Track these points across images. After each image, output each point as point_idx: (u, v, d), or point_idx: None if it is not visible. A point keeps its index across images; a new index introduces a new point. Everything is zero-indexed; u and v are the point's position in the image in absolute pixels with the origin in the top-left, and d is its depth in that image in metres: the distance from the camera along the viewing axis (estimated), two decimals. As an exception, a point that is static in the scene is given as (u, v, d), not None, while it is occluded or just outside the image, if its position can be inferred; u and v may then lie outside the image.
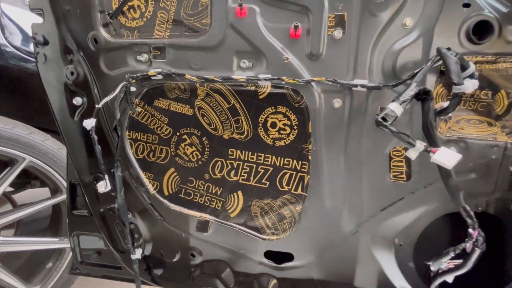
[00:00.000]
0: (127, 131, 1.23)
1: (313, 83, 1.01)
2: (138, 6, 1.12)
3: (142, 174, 1.25)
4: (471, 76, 0.87)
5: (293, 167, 1.14)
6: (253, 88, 1.09)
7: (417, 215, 1.05)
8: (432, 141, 0.82)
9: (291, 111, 1.09)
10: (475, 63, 0.92)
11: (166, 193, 1.26)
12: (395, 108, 0.80)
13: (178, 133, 1.20)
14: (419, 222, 1.05)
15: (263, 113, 1.11)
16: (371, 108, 1.00)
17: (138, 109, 1.21)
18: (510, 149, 0.92)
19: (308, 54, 1.02)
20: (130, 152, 1.24)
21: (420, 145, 0.77)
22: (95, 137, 1.13)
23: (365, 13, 0.96)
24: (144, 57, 1.14)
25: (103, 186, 1.16)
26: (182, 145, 1.21)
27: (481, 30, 0.90)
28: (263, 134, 1.13)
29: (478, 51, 0.91)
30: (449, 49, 0.82)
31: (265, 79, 1.03)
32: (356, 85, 0.98)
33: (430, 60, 0.83)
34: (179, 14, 1.10)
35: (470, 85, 0.74)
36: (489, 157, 0.94)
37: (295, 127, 1.10)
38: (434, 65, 0.84)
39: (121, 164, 1.20)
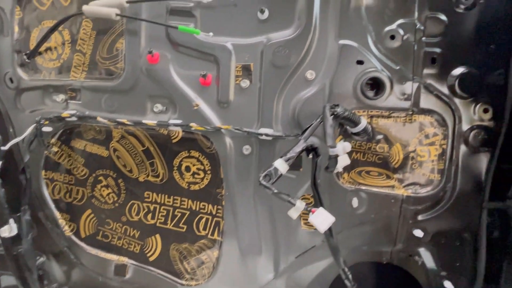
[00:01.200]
0: (43, 171, 1.16)
1: (222, 130, 0.99)
2: (55, 47, 1.10)
3: (58, 215, 1.17)
4: (364, 130, 0.87)
5: (209, 212, 1.09)
6: (166, 132, 1.05)
7: (327, 263, 1.01)
8: (316, 199, 0.80)
9: (203, 156, 1.06)
10: (371, 117, 0.92)
11: (83, 235, 1.18)
12: (280, 165, 0.78)
13: (94, 175, 1.14)
14: (330, 271, 1.02)
15: (177, 157, 1.08)
16: (279, 155, 0.98)
17: (55, 149, 1.15)
18: (407, 201, 0.91)
19: (218, 101, 1.01)
20: (46, 192, 1.17)
21: (301, 205, 0.75)
22: None
23: (269, 65, 0.96)
24: (60, 97, 1.10)
25: (7, 231, 1.07)
26: (98, 186, 1.15)
27: (376, 86, 0.91)
28: (178, 178, 1.09)
29: (373, 106, 0.91)
30: (337, 105, 0.82)
31: (175, 125, 1.01)
32: (261, 134, 0.96)
33: (319, 117, 0.82)
34: (95, 57, 1.07)
35: (341, 149, 0.73)
36: (388, 209, 0.92)
37: (208, 172, 1.07)
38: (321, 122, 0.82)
39: (34, 205, 1.13)
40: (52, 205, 1.17)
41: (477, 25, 0.85)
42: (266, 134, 0.96)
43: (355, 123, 0.85)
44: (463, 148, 0.87)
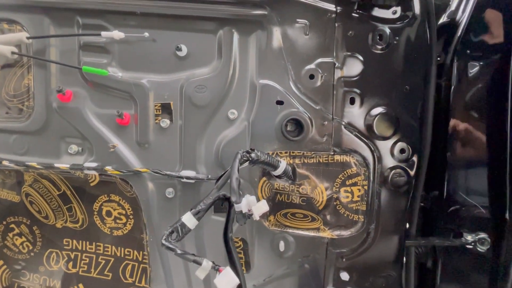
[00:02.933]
0: None
1: (145, 174, 0.89)
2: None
3: (-33, 269, 1.01)
4: (284, 173, 0.81)
5: (134, 258, 0.98)
6: (82, 175, 0.94)
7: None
8: (227, 255, 0.72)
9: (124, 201, 0.95)
10: (293, 157, 0.87)
11: (-4, 289, 1.02)
12: (188, 220, 0.70)
13: (4, 222, 1.00)
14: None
15: (97, 201, 0.96)
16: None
17: (-41, 195, 0.99)
18: (332, 244, 0.86)
19: (137, 142, 0.91)
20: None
21: (207, 264, 0.67)
22: None
23: (190, 103, 0.89)
24: (-39, 139, 0.95)
25: None
26: (10, 235, 1.00)
27: (299, 125, 0.86)
28: (99, 223, 0.98)
29: (295, 146, 0.86)
30: (252, 150, 0.75)
31: (88, 169, 0.89)
32: (182, 177, 0.87)
33: (235, 163, 0.75)
34: (0, 94, 0.94)
35: (245, 205, 0.66)
36: (314, 252, 0.86)
37: (131, 216, 0.96)
38: (240, 167, 0.75)
39: None
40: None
41: (392, 66, 0.83)
42: (188, 177, 0.87)
43: (274, 167, 0.78)
44: (383, 188, 0.83)
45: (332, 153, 0.85)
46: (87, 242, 0.99)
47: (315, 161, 0.86)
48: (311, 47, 0.84)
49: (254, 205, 0.67)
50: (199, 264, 0.67)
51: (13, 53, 0.81)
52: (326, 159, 0.86)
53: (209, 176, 0.88)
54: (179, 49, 0.86)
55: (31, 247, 1.00)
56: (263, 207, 0.69)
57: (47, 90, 0.90)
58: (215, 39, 0.86)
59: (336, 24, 0.83)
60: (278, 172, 0.79)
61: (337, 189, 0.86)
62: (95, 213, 0.96)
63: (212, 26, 0.85)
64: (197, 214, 0.71)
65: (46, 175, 0.96)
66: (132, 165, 0.90)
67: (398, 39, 0.82)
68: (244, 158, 0.73)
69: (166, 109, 0.89)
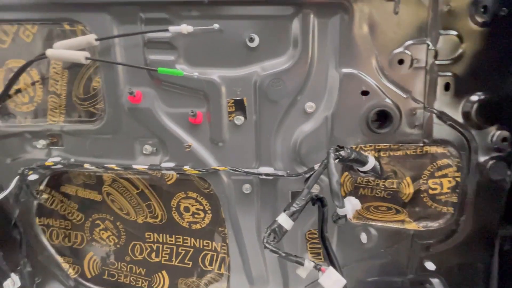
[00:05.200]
0: (37, 218, 1.04)
1: (221, 173, 0.86)
2: (26, 90, 0.92)
3: (60, 259, 1.07)
4: (372, 169, 0.74)
5: (213, 248, 0.99)
6: (159, 174, 0.92)
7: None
8: (325, 255, 0.69)
9: (202, 197, 0.93)
10: (378, 151, 0.79)
11: (89, 276, 1.08)
12: (284, 222, 0.66)
13: (90, 219, 1.02)
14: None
15: (174, 198, 0.95)
16: (281, 192, 0.86)
17: (45, 195, 1.01)
18: (418, 235, 0.81)
19: (211, 140, 0.86)
20: (43, 239, 1.05)
21: (309, 264, 0.64)
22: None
23: (264, 98, 0.81)
24: (41, 143, 0.94)
25: (10, 285, 0.97)
26: (97, 229, 1.03)
27: (383, 117, 0.77)
28: (178, 218, 0.98)
29: (380, 139, 0.78)
30: (341, 147, 0.68)
31: (167, 169, 0.87)
32: (261, 174, 0.83)
33: (323, 163, 0.69)
34: (71, 98, 0.90)
35: (349, 209, 0.61)
36: (398, 243, 0.82)
37: (209, 211, 0.95)
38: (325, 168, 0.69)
39: (35, 250, 1.02)
40: (52, 250, 1.06)
41: (497, 44, 0.69)
42: (267, 174, 0.83)
43: (363, 163, 0.72)
44: (478, 180, 0.75)
45: (422, 144, 0.77)
46: (167, 235, 1.00)
47: (402, 154, 0.78)
48: (400, 28, 0.72)
49: (358, 208, 0.62)
50: (301, 264, 0.65)
51: (87, 58, 0.75)
52: (415, 150, 0.78)
53: (288, 172, 0.83)
54: (252, 40, 0.76)
55: (116, 240, 1.03)
56: (357, 205, 0.64)
57: (116, 92, 0.85)
58: (291, 26, 0.75)
59: None
60: (366, 168, 0.73)
61: (425, 181, 0.79)
62: (173, 209, 0.96)
63: (287, 11, 0.74)
64: (292, 216, 0.67)
65: (124, 175, 0.95)
66: (208, 163, 0.87)
67: (507, 10, 0.68)
68: (337, 155, 0.66)
69: (239, 105, 0.83)
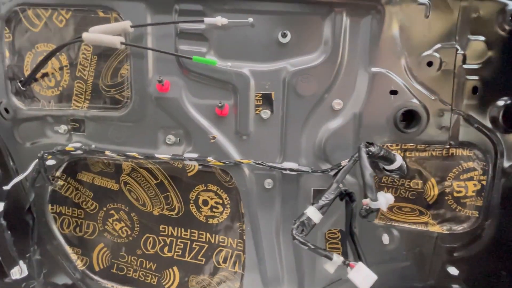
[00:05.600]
0: (49, 205, 1.01)
1: (244, 166, 0.85)
2: (53, 74, 0.92)
3: (68, 249, 1.03)
4: (399, 168, 0.74)
5: (228, 245, 0.97)
6: (180, 165, 0.91)
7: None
8: (354, 251, 0.68)
9: (222, 190, 0.92)
10: (404, 150, 0.79)
11: (97, 268, 1.05)
12: (313, 215, 0.65)
13: (104, 209, 1.00)
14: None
15: (194, 190, 0.93)
16: (303, 190, 0.85)
17: (61, 182, 0.99)
18: (442, 238, 0.80)
19: (236, 133, 0.86)
20: (54, 227, 1.02)
21: (338, 259, 0.62)
22: (4, 223, 0.91)
23: (292, 93, 0.81)
24: (62, 128, 0.93)
25: (17, 273, 0.93)
26: (110, 220, 1.00)
27: (411, 117, 0.78)
28: (195, 211, 0.96)
29: (407, 139, 0.78)
30: (371, 144, 0.68)
31: (190, 160, 0.86)
32: (285, 169, 0.82)
33: (352, 158, 0.69)
34: (98, 85, 0.90)
35: (383, 202, 0.60)
36: (421, 246, 0.81)
37: (228, 206, 0.93)
38: (355, 162, 0.69)
39: (43, 239, 0.99)
40: (61, 239, 1.03)
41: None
42: (291, 170, 0.82)
43: (391, 161, 0.71)
44: (504, 184, 0.75)
45: (448, 146, 0.77)
46: (182, 229, 0.98)
47: (427, 155, 0.78)
48: (430, 31, 0.74)
49: (391, 202, 0.61)
50: (330, 258, 0.64)
51: (122, 43, 0.75)
52: (441, 152, 0.78)
53: (313, 168, 0.82)
54: (284, 36, 0.78)
55: (129, 232, 1.00)
56: (390, 199, 0.63)
57: (144, 81, 0.85)
58: (323, 24, 0.77)
59: (461, 4, 0.71)
60: (393, 166, 0.73)
61: (450, 183, 0.79)
62: (191, 201, 0.94)
63: (321, 10, 0.76)
64: (321, 209, 0.66)
65: (144, 165, 0.93)
66: (231, 155, 0.86)
67: (534, 20, 0.70)
68: (367, 151, 0.66)
69: (267, 99, 0.83)
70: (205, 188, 0.92)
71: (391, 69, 0.76)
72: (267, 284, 0.95)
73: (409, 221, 0.82)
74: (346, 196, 0.69)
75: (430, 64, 0.75)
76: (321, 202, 0.67)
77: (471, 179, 0.78)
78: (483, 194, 0.77)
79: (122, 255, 1.03)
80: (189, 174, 0.92)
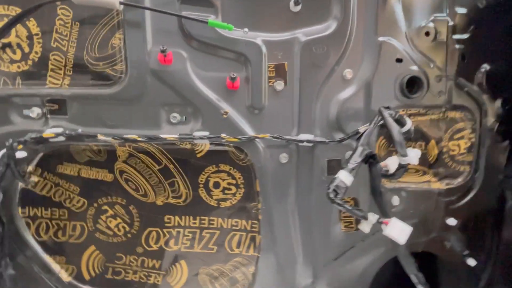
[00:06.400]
0: (19, 208, 0.82)
1: (257, 139, 0.80)
2: (18, 44, 0.74)
3: (48, 259, 0.85)
4: (409, 131, 0.78)
5: (242, 228, 0.91)
6: (188, 146, 0.82)
7: (367, 261, 0.94)
8: (381, 209, 0.70)
9: (235, 169, 0.86)
10: (409, 115, 0.84)
11: (87, 277, 0.89)
12: (345, 178, 0.65)
13: (95, 204, 0.85)
14: (371, 268, 0.95)
15: (203, 173, 0.85)
16: (318, 162, 0.85)
17: (35, 178, 0.81)
18: (442, 193, 0.88)
19: (249, 107, 0.81)
20: (27, 234, 0.83)
21: (373, 218, 0.64)
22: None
23: (306, 63, 0.80)
24: (35, 112, 0.76)
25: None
26: (103, 217, 0.86)
27: (414, 84, 0.83)
28: (205, 196, 0.88)
29: (411, 104, 0.83)
30: (388, 108, 0.71)
31: (202, 138, 0.78)
32: (302, 141, 0.81)
33: (373, 121, 0.71)
34: (82, 57, 0.75)
35: (414, 157, 0.64)
36: (425, 203, 0.88)
37: (241, 186, 0.88)
38: (377, 125, 0.71)
39: (13, 250, 0.79)
40: (38, 248, 0.84)
41: (502, 20, 0.81)
42: (308, 141, 0.81)
43: (403, 124, 0.75)
44: (488, 140, 0.85)
45: (444, 109, 0.85)
46: (191, 217, 0.89)
47: (427, 118, 0.85)
48: (426, 2, 0.80)
49: (419, 155, 0.64)
50: (365, 218, 0.64)
51: (121, 3, 0.63)
52: (438, 115, 0.85)
53: (328, 138, 0.82)
54: (297, 3, 0.75)
55: (127, 228, 0.87)
56: (418, 153, 0.67)
57: (143, 52, 0.74)
58: None
59: None
60: (404, 129, 0.77)
61: (446, 143, 0.87)
62: (201, 185, 0.86)
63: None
64: (352, 171, 0.66)
65: (144, 149, 0.82)
66: (244, 131, 0.80)
67: (504, -3, 0.81)
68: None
69: (280, 70, 0.80)
70: (216, 169, 0.85)
71: (396, 38, 0.80)
72: (283, 265, 0.93)
73: (414, 181, 0.88)
74: (370, 158, 0.70)
75: (427, 34, 0.81)
76: (350, 166, 0.67)
77: (462, 137, 0.87)
78: (472, 150, 0.87)
79: (119, 256, 0.89)
80: (199, 155, 0.83)
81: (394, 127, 0.64)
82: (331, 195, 0.63)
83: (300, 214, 0.89)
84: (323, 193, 0.87)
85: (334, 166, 0.84)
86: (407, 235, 0.64)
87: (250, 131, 0.81)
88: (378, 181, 0.70)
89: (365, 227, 0.66)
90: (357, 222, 0.92)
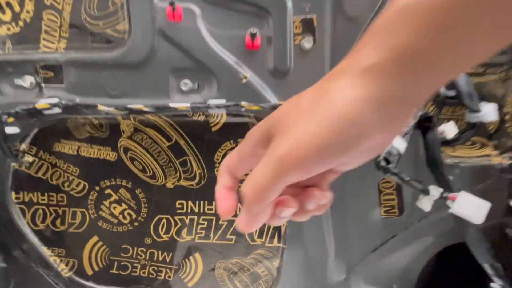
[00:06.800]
0: (13, 192, 0.72)
1: (282, 108, 0.68)
2: (8, 3, 0.65)
3: (46, 251, 0.75)
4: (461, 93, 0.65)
5: (264, 214, 0.79)
6: (202, 118, 0.70)
7: (412, 253, 0.80)
8: (442, 182, 0.56)
9: (256, 145, 0.74)
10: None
11: (90, 272, 0.78)
12: (398, 143, 0.52)
13: (97, 188, 0.74)
14: (416, 261, 0.81)
15: (220, 149, 0.74)
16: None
17: (29, 158, 0.71)
18: (505, 170, 0.73)
19: (272, 69, 0.69)
20: (22, 222, 0.73)
21: (436, 192, 0.51)
22: None
23: (339, 16, 0.68)
24: (27, 81, 0.66)
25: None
26: (106, 203, 0.75)
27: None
28: (221, 177, 0.76)
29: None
30: None
31: (218, 107, 0.66)
32: (336, 108, 0.68)
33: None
34: (79, 16, 0.65)
35: (490, 112, 0.50)
36: (484, 182, 0.73)
37: (263, 164, 0.76)
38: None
39: (4, 241, 0.70)
40: (34, 239, 0.74)
41: None
42: (343, 108, 0.68)
43: (453, 84, 0.62)
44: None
45: (507, 67, 0.70)
46: (206, 202, 0.77)
47: (488, 78, 0.71)
48: None
49: (496, 110, 0.51)
50: (427, 193, 0.51)
51: None
52: (499, 75, 0.71)
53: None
54: None
55: (134, 216, 0.76)
56: (492, 112, 0.53)
57: (148, 8, 0.63)
58: None
59: None
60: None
61: (510, 109, 0.72)
62: (217, 164, 0.74)
63: None
64: (404, 136, 0.53)
65: (151, 122, 0.71)
66: (267, 98, 0.68)
67: None
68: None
69: (308, 25, 0.67)
70: (234, 145, 0.73)
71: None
72: (312, 258, 0.80)
73: (471, 156, 0.74)
74: (424, 121, 0.57)
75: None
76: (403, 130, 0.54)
77: (528, 101, 0.72)
78: (539, 116, 0.72)
79: (125, 248, 0.78)
80: (214, 129, 0.72)
81: (460, 78, 0.51)
82: (382, 163, 0.50)
83: (333, 197, 0.76)
84: (360, 172, 0.74)
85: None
86: (484, 212, 0.50)
87: (273, 98, 0.69)
88: (437, 148, 0.57)
89: (425, 204, 0.53)
90: (399, 206, 0.78)
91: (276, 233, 0.79)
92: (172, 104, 0.66)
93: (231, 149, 0.73)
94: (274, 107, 0.67)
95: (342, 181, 0.75)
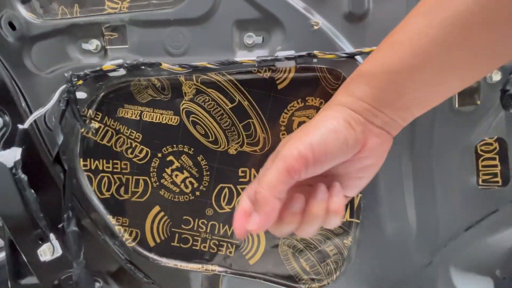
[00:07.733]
0: (81, 159, 0.72)
1: (360, 58, 0.59)
2: (75, -35, 0.64)
3: (111, 220, 0.74)
4: None
5: (334, 184, 0.70)
6: (267, 74, 0.64)
7: (522, 231, 0.66)
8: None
9: (328, 103, 0.66)
10: None
11: (152, 243, 0.76)
12: None
13: (160, 155, 0.72)
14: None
15: (286, 110, 0.67)
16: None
17: (95, 124, 0.71)
18: None
19: (347, 14, 0.60)
20: (90, 190, 0.74)
21: None
22: (25, 177, 0.62)
23: None
24: (93, 44, 0.66)
25: (47, 252, 0.64)
26: (168, 170, 0.72)
27: None
28: (287, 141, 0.69)
29: None
30: None
31: (287, 58, 0.59)
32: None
33: None
34: (138, -29, 0.63)
35: None
36: None
37: (336, 126, 0.67)
38: None
39: (77, 211, 0.70)
40: (101, 207, 0.74)
41: None
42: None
43: None
44: None
45: None
46: (270, 170, 0.70)
47: None
48: None
49: None
50: None
51: None
52: None
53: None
54: None
55: (196, 184, 0.72)
56: None
57: (210, -45, 0.59)
58: None
59: None
60: None
61: None
62: (282, 128, 0.67)
63: None
64: None
65: (213, 82, 0.66)
66: (340, 46, 0.60)
67: None
68: None
69: (391, -43, 0.58)
70: (302, 105, 0.66)
71: None
72: (389, 234, 0.69)
73: None
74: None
75: None
76: None
77: None
78: None
79: (186, 219, 0.74)
80: (280, 86, 0.65)
81: None
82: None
83: (417, 163, 0.65)
84: (452, 130, 0.62)
85: (468, 92, 0.59)
86: None
87: (348, 47, 0.60)
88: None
89: None
90: (504, 174, 0.64)
91: (348, 206, 0.70)
92: (237, 59, 0.60)
93: (299, 109, 0.66)
94: (351, 56, 0.59)
95: (429, 140, 0.63)
